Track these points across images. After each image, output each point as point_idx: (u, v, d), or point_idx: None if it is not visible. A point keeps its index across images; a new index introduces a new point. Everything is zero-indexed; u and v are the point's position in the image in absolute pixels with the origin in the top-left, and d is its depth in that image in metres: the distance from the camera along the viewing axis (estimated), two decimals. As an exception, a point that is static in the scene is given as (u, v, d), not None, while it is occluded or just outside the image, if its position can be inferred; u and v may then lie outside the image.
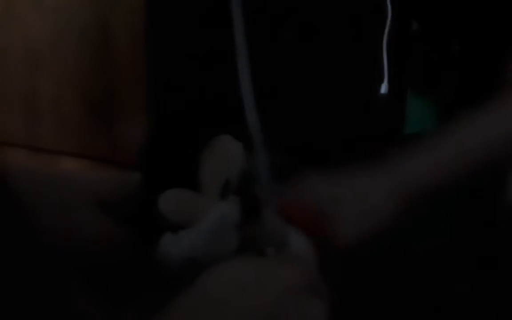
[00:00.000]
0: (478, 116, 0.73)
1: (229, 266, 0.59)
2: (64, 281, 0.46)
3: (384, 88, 0.80)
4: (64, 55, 0.96)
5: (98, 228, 0.59)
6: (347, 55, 0.81)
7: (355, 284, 0.75)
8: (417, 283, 0.80)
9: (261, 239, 0.64)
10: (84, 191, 0.60)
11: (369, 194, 0.70)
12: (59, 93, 0.97)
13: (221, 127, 0.76)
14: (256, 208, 0.64)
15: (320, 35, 0.81)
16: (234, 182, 0.63)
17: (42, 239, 0.45)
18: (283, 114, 0.79)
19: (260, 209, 0.64)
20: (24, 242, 0.43)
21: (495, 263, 0.82)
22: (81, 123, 0.97)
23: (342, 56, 0.82)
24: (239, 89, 0.71)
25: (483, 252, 0.82)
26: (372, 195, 0.70)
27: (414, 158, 0.72)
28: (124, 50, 0.93)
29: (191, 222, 0.60)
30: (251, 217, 0.64)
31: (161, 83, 0.86)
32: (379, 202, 0.70)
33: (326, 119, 0.81)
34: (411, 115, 0.83)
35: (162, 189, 0.63)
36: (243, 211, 0.63)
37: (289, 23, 0.81)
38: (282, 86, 0.80)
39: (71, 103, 0.96)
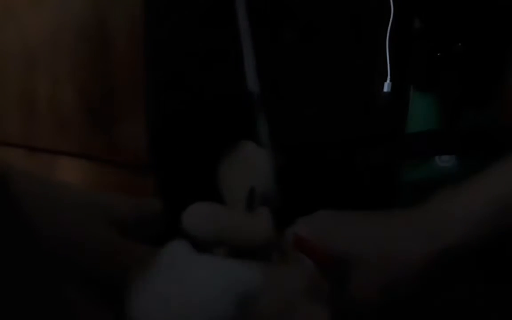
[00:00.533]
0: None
1: None
2: (58, 281, 0.46)
3: (387, 87, 0.80)
4: (62, 54, 0.95)
5: (112, 245, 0.58)
6: (348, 54, 0.81)
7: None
8: (418, 283, 0.80)
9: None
10: (100, 210, 0.58)
11: (392, 241, 0.68)
12: (56, 92, 0.96)
13: (221, 128, 0.76)
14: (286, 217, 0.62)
15: (321, 35, 0.81)
16: (260, 190, 0.59)
17: (38, 240, 0.45)
18: (285, 114, 0.78)
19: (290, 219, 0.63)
20: (20, 243, 0.43)
21: (496, 265, 0.82)
22: (79, 123, 0.96)
23: (344, 56, 0.81)
24: (238, 89, 0.70)
25: (485, 255, 0.82)
26: (395, 242, 0.68)
27: (443, 208, 0.70)
28: (123, 49, 0.92)
29: (218, 238, 0.55)
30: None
31: (159, 83, 0.86)
32: (405, 249, 0.68)
33: (328, 119, 0.81)
34: (414, 114, 0.83)
35: (174, 195, 0.61)
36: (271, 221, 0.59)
37: (289, 23, 0.81)
38: (283, 86, 0.80)
39: (69, 103, 0.96)
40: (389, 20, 0.80)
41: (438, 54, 0.83)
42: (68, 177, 0.97)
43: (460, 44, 0.83)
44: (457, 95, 0.83)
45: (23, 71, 0.97)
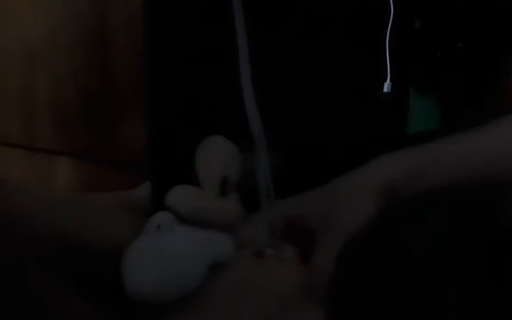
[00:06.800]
0: (480, 130, 0.70)
1: (231, 267, 0.59)
2: (20, 265, 0.47)
3: (387, 87, 0.80)
4: (62, 54, 0.95)
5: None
6: (348, 54, 0.81)
7: (353, 286, 0.75)
8: (417, 283, 0.80)
9: (259, 239, 0.64)
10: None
11: (352, 199, 0.67)
12: (56, 92, 0.96)
13: (220, 128, 0.76)
14: (256, 204, 0.65)
15: (321, 35, 0.81)
16: (232, 179, 0.64)
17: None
18: (284, 115, 0.78)
19: (260, 205, 0.65)
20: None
21: (496, 268, 0.82)
22: (79, 123, 0.96)
23: (343, 56, 0.81)
24: (238, 89, 0.70)
25: (485, 257, 0.81)
26: (355, 200, 0.67)
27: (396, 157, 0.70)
28: (123, 49, 0.92)
29: (194, 215, 0.62)
30: (251, 212, 0.64)
31: (159, 83, 0.86)
32: (363, 204, 0.67)
33: (328, 119, 0.81)
34: (414, 114, 0.83)
35: (166, 187, 0.64)
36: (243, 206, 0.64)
37: (289, 23, 0.81)
38: (282, 87, 0.80)
39: (69, 103, 0.96)
40: (389, 20, 0.80)
41: (438, 54, 0.83)
42: (68, 177, 0.98)
43: (460, 44, 0.83)
44: (457, 95, 0.83)
45: (23, 71, 0.97)
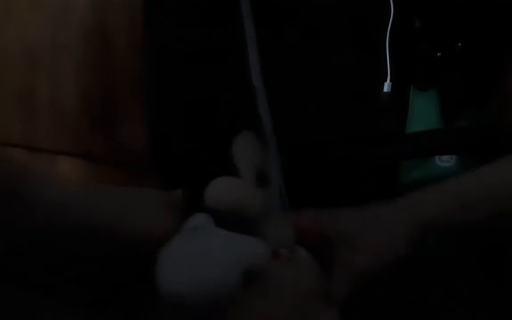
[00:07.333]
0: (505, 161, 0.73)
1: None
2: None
3: (387, 87, 0.80)
4: (62, 54, 0.95)
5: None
6: (348, 54, 0.81)
7: (358, 288, 0.75)
8: (419, 285, 0.80)
9: (273, 239, 0.64)
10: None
11: (382, 227, 0.70)
12: (57, 92, 0.96)
13: (220, 128, 0.76)
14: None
15: (321, 35, 0.81)
16: (265, 172, 0.65)
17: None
18: (284, 114, 0.78)
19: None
20: None
21: (496, 264, 0.82)
22: (79, 123, 0.96)
23: (344, 56, 0.81)
24: (238, 89, 0.70)
25: (485, 257, 0.82)
26: (384, 228, 0.70)
27: (429, 193, 0.72)
28: (123, 49, 0.92)
29: (236, 206, 0.62)
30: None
31: (159, 83, 0.86)
32: (392, 233, 0.69)
33: (329, 118, 0.81)
34: (414, 114, 0.83)
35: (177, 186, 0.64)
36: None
37: (290, 23, 0.81)
38: (281, 87, 0.80)
39: (69, 103, 0.96)
40: (389, 20, 0.80)
41: (438, 54, 0.83)
42: (68, 177, 0.97)
43: (460, 44, 0.83)
44: (457, 95, 0.83)
45: (23, 71, 0.97)
